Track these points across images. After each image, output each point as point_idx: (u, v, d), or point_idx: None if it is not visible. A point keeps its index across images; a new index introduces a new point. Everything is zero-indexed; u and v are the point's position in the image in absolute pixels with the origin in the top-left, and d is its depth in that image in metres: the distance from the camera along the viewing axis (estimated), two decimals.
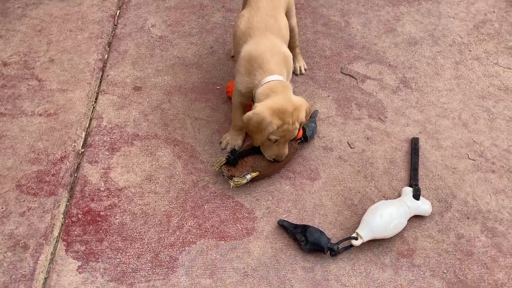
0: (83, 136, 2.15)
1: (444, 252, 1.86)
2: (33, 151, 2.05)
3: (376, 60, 2.60)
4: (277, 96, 1.85)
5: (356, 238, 1.81)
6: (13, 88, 2.29)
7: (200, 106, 2.30)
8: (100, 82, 2.39)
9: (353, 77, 2.50)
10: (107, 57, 2.51)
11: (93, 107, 2.27)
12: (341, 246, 1.82)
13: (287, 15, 2.18)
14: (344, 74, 2.51)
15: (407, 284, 1.77)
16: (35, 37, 2.56)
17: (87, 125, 2.20)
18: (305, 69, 2.47)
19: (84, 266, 1.75)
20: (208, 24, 2.74)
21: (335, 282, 1.76)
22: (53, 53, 2.47)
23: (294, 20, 2.29)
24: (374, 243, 1.86)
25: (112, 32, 2.64)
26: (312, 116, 2.21)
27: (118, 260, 1.77)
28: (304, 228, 1.83)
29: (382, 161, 2.15)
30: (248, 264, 1.79)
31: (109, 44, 2.58)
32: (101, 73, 2.43)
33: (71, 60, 2.44)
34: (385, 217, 1.81)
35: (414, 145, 2.19)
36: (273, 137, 1.88)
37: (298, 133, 1.97)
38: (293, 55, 2.09)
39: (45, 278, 1.71)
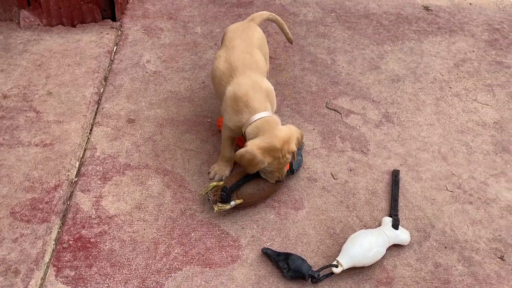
0: (77, 166, 2.24)
1: (422, 280, 1.93)
2: (28, 180, 2.13)
3: (360, 96, 2.72)
4: (265, 134, 1.97)
5: (336, 266, 1.88)
6: (11, 119, 2.39)
7: (191, 137, 2.40)
8: (95, 114, 2.49)
9: (337, 111, 2.62)
10: (103, 90, 2.63)
11: (88, 138, 2.37)
12: (322, 273, 1.89)
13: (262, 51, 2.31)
14: (329, 108, 2.63)
15: None
16: (35, 71, 2.68)
17: (81, 155, 2.29)
18: None
19: None
20: (201, 60, 2.87)
21: None
22: (51, 87, 2.59)
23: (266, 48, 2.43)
24: (354, 271, 1.93)
25: (108, 67, 2.77)
26: (299, 149, 2.30)
27: (106, 285, 1.83)
28: (287, 256, 1.90)
29: (364, 192, 2.23)
30: None
31: (105, 79, 2.70)
32: (96, 106, 2.54)
33: (68, 93, 2.56)
34: (365, 246, 1.89)
35: (394, 177, 2.28)
36: (268, 169, 2.01)
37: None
38: None
39: None
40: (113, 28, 3.03)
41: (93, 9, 2.99)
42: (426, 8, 3.45)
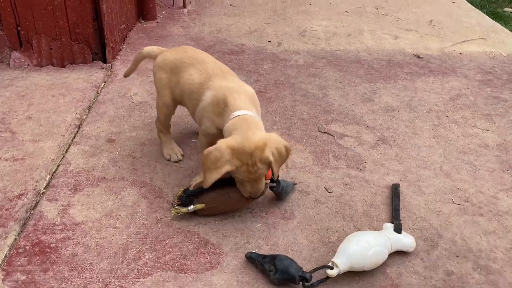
0: (48, 179, 2.06)
1: None
2: None
3: (353, 122, 2.60)
4: (239, 133, 1.75)
5: (331, 268, 1.62)
6: None
7: None
8: (75, 136, 2.36)
9: (330, 134, 2.48)
10: (85, 117, 2.52)
11: (63, 156, 2.21)
12: (315, 278, 1.62)
13: None
14: (322, 132, 2.50)
15: None
16: (17, 100, 2.61)
17: (54, 170, 2.12)
18: None
19: None
20: None
21: None
22: (32, 113, 2.49)
23: None
24: (353, 278, 1.66)
25: (94, 99, 2.70)
26: (289, 186, 2.01)
27: None
28: (273, 257, 1.65)
29: (362, 204, 2.02)
30: None
31: (89, 107, 2.61)
32: (77, 129, 2.42)
33: (48, 118, 2.45)
34: (362, 244, 1.64)
35: (394, 189, 2.08)
36: (237, 176, 1.77)
37: (267, 172, 1.86)
38: None
39: None
40: (103, 68, 3.01)
41: (84, 50, 3.00)
42: (417, 56, 3.46)
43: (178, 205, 1.84)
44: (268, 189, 1.91)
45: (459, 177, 2.22)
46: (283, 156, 1.79)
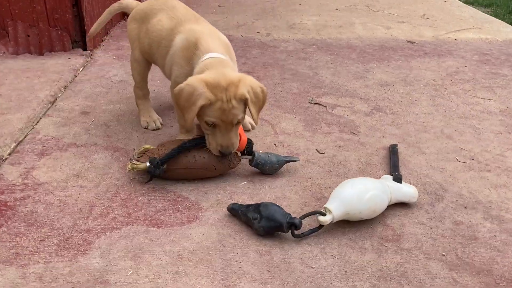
0: (12, 146, 1.88)
1: (440, 237, 1.45)
2: None
3: (346, 95, 2.45)
4: (212, 71, 1.60)
5: (324, 214, 1.42)
6: None
7: None
8: (47, 110, 2.19)
9: (322, 105, 2.32)
10: (60, 95, 2.36)
11: (33, 127, 2.04)
12: (306, 228, 1.42)
13: None
14: (313, 103, 2.33)
15: (395, 266, 1.33)
16: None
17: (21, 139, 1.94)
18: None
19: None
20: None
21: (299, 264, 1.33)
22: (3, 91, 2.33)
23: None
24: (349, 228, 1.47)
25: (71, 80, 2.54)
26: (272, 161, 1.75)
27: (14, 243, 1.36)
28: (258, 205, 1.45)
29: (357, 163, 1.84)
30: (185, 248, 1.37)
31: (65, 87, 2.45)
32: (50, 105, 2.25)
33: (20, 95, 2.29)
34: (358, 187, 1.46)
35: (392, 148, 1.90)
36: (209, 119, 1.58)
37: (239, 141, 1.67)
38: None
39: None
40: (82, 55, 2.87)
41: (63, 37, 2.87)
42: (411, 42, 3.35)
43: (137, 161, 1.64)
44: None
45: (462, 138, 2.04)
46: (260, 98, 1.64)
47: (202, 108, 1.55)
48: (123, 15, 3.77)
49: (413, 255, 1.37)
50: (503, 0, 5.65)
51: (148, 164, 1.59)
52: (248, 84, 1.60)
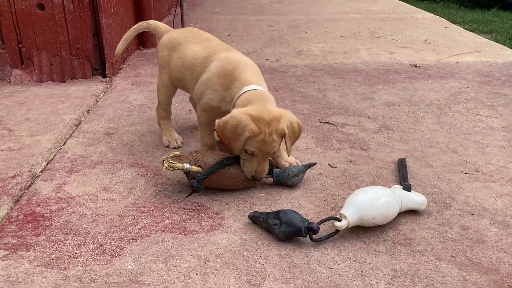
0: (44, 164, 2.01)
1: (449, 241, 1.55)
2: None
3: (354, 115, 2.57)
4: (255, 105, 1.73)
5: (339, 220, 1.53)
6: None
7: None
8: (73, 132, 2.33)
9: (332, 124, 2.44)
10: (84, 118, 2.50)
11: (61, 147, 2.17)
12: (323, 234, 1.53)
13: None
14: (323, 123, 2.46)
15: (408, 267, 1.43)
16: (16, 106, 2.60)
17: (50, 158, 2.07)
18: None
19: (11, 255, 1.44)
20: (187, 96, 2.80)
21: (318, 265, 1.42)
22: (30, 115, 2.48)
23: None
24: (363, 234, 1.57)
25: (93, 105, 2.69)
26: (299, 170, 1.87)
27: (53, 249, 1.47)
28: (278, 212, 1.56)
29: (368, 176, 1.95)
30: (211, 252, 1.48)
31: (88, 111, 2.60)
32: (75, 127, 2.39)
33: (47, 119, 2.43)
34: (371, 194, 1.56)
35: (401, 162, 2.01)
36: (249, 148, 1.71)
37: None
38: None
39: None
40: (102, 82, 3.03)
41: (84, 65, 3.04)
42: (414, 65, 3.49)
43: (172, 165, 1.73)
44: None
45: (467, 152, 2.15)
46: (296, 132, 1.78)
47: (246, 139, 1.68)
48: (139, 44, 3.95)
49: (424, 257, 1.47)
50: (503, 27, 5.84)
51: (191, 180, 1.70)
52: (288, 119, 1.74)
